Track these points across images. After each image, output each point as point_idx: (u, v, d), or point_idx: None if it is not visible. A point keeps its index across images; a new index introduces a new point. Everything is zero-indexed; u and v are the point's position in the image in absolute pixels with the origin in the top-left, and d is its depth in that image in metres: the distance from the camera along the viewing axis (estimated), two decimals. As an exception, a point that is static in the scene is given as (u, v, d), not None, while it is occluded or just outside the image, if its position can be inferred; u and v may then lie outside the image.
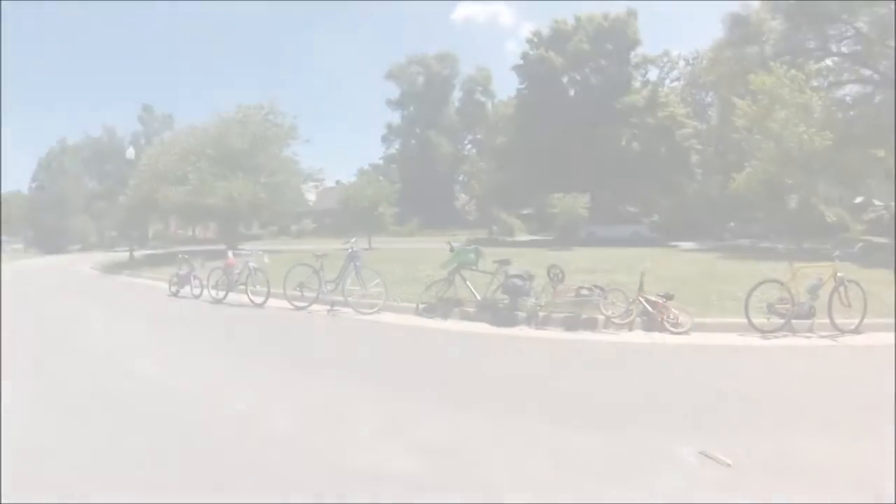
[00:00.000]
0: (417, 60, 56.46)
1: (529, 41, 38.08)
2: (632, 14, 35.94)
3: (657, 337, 7.81)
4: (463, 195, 57.08)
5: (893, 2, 24.77)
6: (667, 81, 46.40)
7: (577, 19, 36.70)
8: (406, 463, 3.50)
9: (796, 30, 27.71)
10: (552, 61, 35.37)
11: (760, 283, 8.35)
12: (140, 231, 45.58)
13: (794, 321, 7.93)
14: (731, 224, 27.86)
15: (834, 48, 28.63)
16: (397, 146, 57.43)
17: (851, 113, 24.97)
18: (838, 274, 8.16)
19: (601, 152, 32.25)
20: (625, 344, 7.53)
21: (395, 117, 57.54)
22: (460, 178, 56.40)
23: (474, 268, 9.69)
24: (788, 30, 27.95)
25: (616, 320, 8.29)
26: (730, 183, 22.73)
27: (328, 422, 4.38)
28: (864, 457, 3.72)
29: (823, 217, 36.62)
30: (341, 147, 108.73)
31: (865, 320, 7.93)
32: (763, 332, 7.75)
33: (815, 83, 24.46)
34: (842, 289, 8.03)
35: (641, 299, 8.37)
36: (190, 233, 51.54)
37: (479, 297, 9.19)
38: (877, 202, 40.81)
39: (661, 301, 8.25)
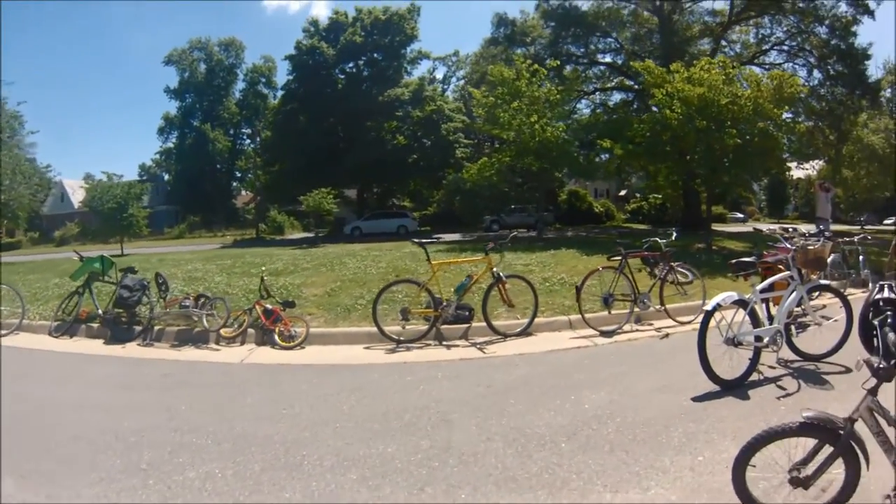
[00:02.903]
0: (200, 46, 50.69)
1: (305, 30, 36.32)
2: (413, 10, 35.95)
3: (258, 353, 6.59)
4: (244, 192, 53.03)
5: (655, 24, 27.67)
6: (453, 79, 47.61)
7: (358, 11, 35.78)
8: None
9: (564, 37, 29.58)
10: (323, 51, 33.92)
11: (391, 285, 7.23)
12: None
13: (445, 327, 6.88)
14: (488, 216, 28.13)
15: (600, 57, 31.26)
16: (174, 140, 51.07)
17: (614, 116, 27.17)
18: (494, 269, 7.27)
19: (367, 146, 31.52)
20: (191, 363, 6.25)
21: (173, 108, 51.08)
22: (238, 174, 52.50)
23: (102, 278, 8.66)
24: (556, 36, 29.77)
25: (225, 332, 7.06)
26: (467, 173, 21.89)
27: None
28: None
29: (592, 207, 40.34)
30: (127, 141, 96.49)
31: (539, 319, 7.18)
32: (398, 341, 6.55)
33: (583, 86, 26.17)
34: (501, 286, 7.14)
35: (258, 308, 7.13)
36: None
37: (100, 312, 8.09)
38: (637, 195, 46.31)
39: (278, 309, 7.08)
